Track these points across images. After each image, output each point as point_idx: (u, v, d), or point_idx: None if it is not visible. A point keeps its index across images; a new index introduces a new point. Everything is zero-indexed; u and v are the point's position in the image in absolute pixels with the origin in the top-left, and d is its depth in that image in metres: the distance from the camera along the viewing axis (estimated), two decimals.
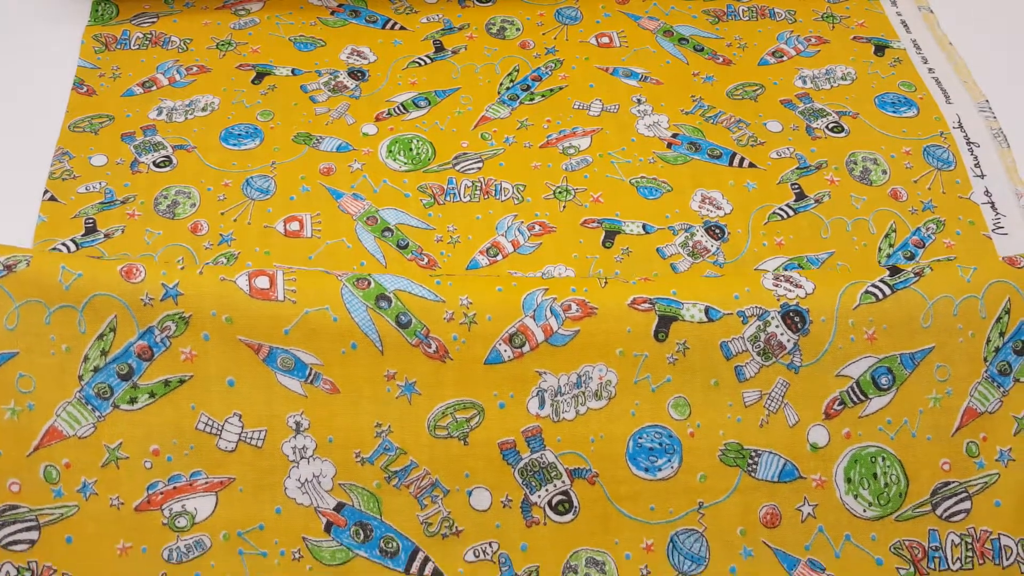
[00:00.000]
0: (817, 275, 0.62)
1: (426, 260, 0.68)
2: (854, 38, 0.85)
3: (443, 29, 0.87)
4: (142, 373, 0.58)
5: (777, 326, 0.59)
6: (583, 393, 0.60)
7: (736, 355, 0.60)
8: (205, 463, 0.58)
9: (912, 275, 0.61)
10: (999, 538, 0.59)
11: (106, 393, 0.58)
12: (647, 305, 0.60)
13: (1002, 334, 0.60)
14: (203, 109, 0.79)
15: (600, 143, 0.76)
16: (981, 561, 0.59)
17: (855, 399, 0.60)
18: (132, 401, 0.58)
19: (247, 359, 0.59)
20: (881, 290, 0.60)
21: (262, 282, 0.60)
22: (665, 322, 0.60)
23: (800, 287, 0.61)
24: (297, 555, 0.58)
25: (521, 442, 0.59)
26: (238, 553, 0.58)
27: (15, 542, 0.56)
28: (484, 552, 0.59)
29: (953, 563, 0.59)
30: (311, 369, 0.59)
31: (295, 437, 0.59)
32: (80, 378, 0.58)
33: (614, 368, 0.60)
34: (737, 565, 0.59)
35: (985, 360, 0.59)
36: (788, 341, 0.60)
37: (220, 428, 0.58)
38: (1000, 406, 0.60)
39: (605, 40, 0.85)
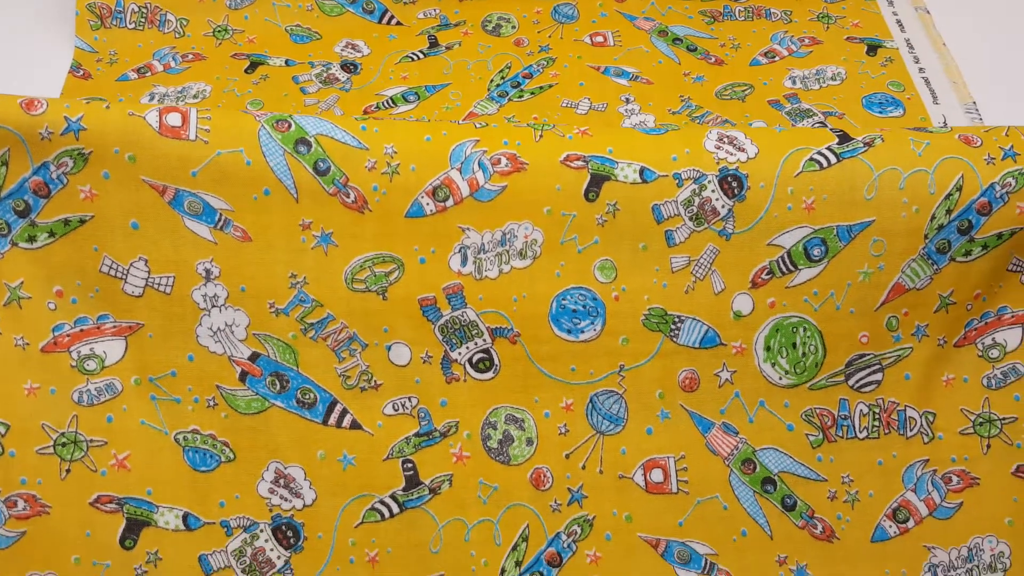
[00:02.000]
0: (762, 137, 0.58)
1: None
2: (848, 38, 0.79)
3: (439, 25, 0.81)
4: (39, 210, 0.55)
5: (713, 191, 0.56)
6: (507, 251, 0.57)
7: (667, 219, 0.57)
8: (112, 307, 0.56)
9: (862, 145, 0.57)
10: (905, 409, 0.60)
11: (3, 230, 0.55)
12: (580, 163, 0.56)
13: (949, 212, 0.57)
14: (195, 96, 0.73)
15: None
16: (887, 431, 0.60)
17: (784, 269, 0.58)
18: (31, 239, 0.55)
19: (151, 201, 0.55)
20: (827, 158, 0.57)
21: (173, 119, 0.55)
22: (597, 181, 0.56)
23: (743, 150, 0.57)
24: (212, 403, 0.57)
25: (442, 299, 0.57)
26: (150, 399, 0.57)
27: None
28: (403, 406, 0.58)
29: (860, 431, 0.60)
30: (221, 215, 0.56)
31: (205, 285, 0.56)
32: None
33: (541, 227, 0.57)
34: (654, 426, 0.59)
35: (925, 237, 0.57)
36: (723, 207, 0.57)
37: (125, 272, 0.55)
38: (929, 283, 0.58)
39: (599, 39, 0.80)
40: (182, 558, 0.57)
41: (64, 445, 0.56)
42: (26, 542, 0.55)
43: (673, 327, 0.58)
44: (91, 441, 0.56)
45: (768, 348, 0.58)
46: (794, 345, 0.58)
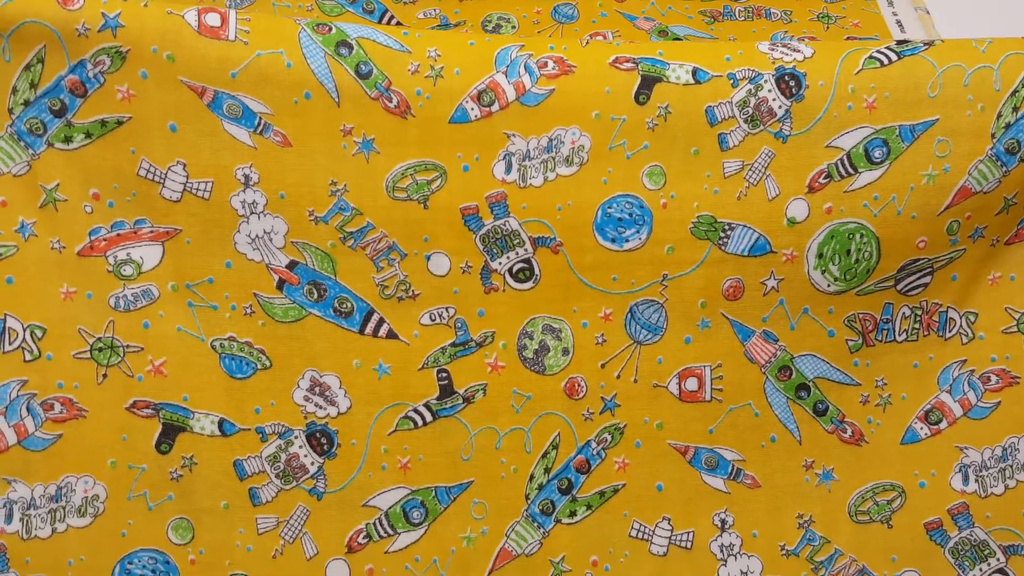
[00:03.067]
0: (817, 43, 0.56)
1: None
2: (848, 38, 0.76)
3: (439, 25, 0.79)
4: (76, 111, 0.54)
5: (770, 90, 0.54)
6: (553, 158, 0.56)
7: (721, 121, 0.55)
8: (149, 211, 0.55)
9: (921, 44, 0.55)
10: (947, 311, 0.59)
11: (39, 129, 0.54)
12: (630, 65, 0.55)
13: (1015, 109, 0.55)
14: None
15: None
16: (926, 333, 0.59)
17: (843, 173, 0.56)
18: (67, 140, 0.54)
19: (190, 103, 0.54)
20: (887, 56, 0.55)
21: (212, 19, 0.53)
22: (648, 83, 0.54)
23: (799, 51, 0.55)
24: (248, 310, 0.56)
25: (484, 208, 0.56)
26: (187, 305, 0.56)
27: None
28: (440, 316, 0.57)
29: (899, 335, 0.59)
30: (260, 118, 0.55)
31: (244, 191, 0.55)
32: (10, 111, 0.53)
33: (588, 132, 0.55)
34: (693, 335, 0.58)
35: (992, 136, 0.55)
36: (779, 108, 0.55)
37: (163, 176, 0.54)
38: (997, 186, 0.56)
39: (599, 39, 0.77)
40: (217, 463, 0.57)
41: (101, 350, 0.56)
42: (62, 445, 0.55)
43: (722, 235, 0.56)
44: (127, 347, 0.56)
45: (820, 255, 0.57)
46: (848, 252, 0.56)
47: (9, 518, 0.55)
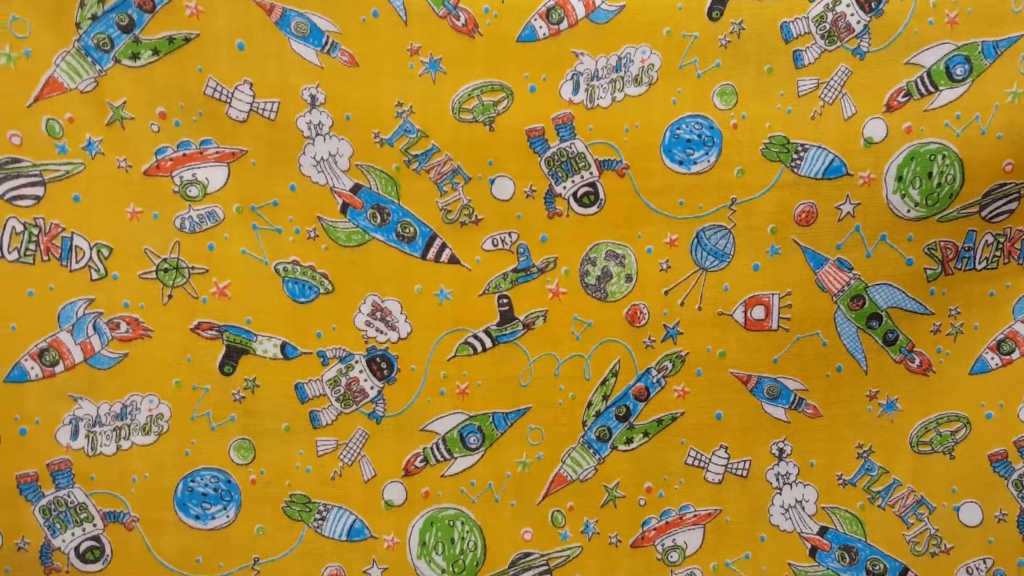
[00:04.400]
0: None
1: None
2: None
3: None
4: (144, 26, 0.54)
5: (848, 4, 0.53)
6: (622, 78, 0.55)
7: (797, 37, 0.54)
8: (215, 131, 0.55)
9: None
10: None
11: (106, 45, 0.54)
12: None
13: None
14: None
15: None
16: (1006, 260, 0.57)
17: (923, 91, 0.55)
18: (134, 57, 0.54)
19: (258, 20, 0.54)
20: None
21: None
22: None
23: None
24: (312, 234, 0.56)
25: (550, 129, 0.55)
26: (252, 227, 0.56)
27: (19, 197, 0.54)
28: (503, 241, 0.57)
29: (979, 263, 0.57)
30: (328, 37, 0.54)
31: (310, 112, 0.55)
32: (78, 25, 0.53)
33: (659, 50, 0.54)
34: (762, 262, 0.57)
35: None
36: (857, 23, 0.54)
37: (230, 95, 0.54)
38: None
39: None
40: (279, 386, 0.57)
41: (166, 271, 0.56)
42: (128, 364, 0.56)
43: (795, 156, 0.55)
44: (192, 268, 0.56)
45: (900, 178, 0.56)
46: (930, 175, 0.55)
47: (75, 434, 0.56)
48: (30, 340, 0.55)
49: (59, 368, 0.55)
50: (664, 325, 0.58)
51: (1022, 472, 0.58)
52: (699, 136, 0.55)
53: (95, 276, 0.55)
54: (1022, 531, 0.57)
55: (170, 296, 0.56)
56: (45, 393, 0.55)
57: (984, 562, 0.58)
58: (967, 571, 0.58)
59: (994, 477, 0.58)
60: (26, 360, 0.55)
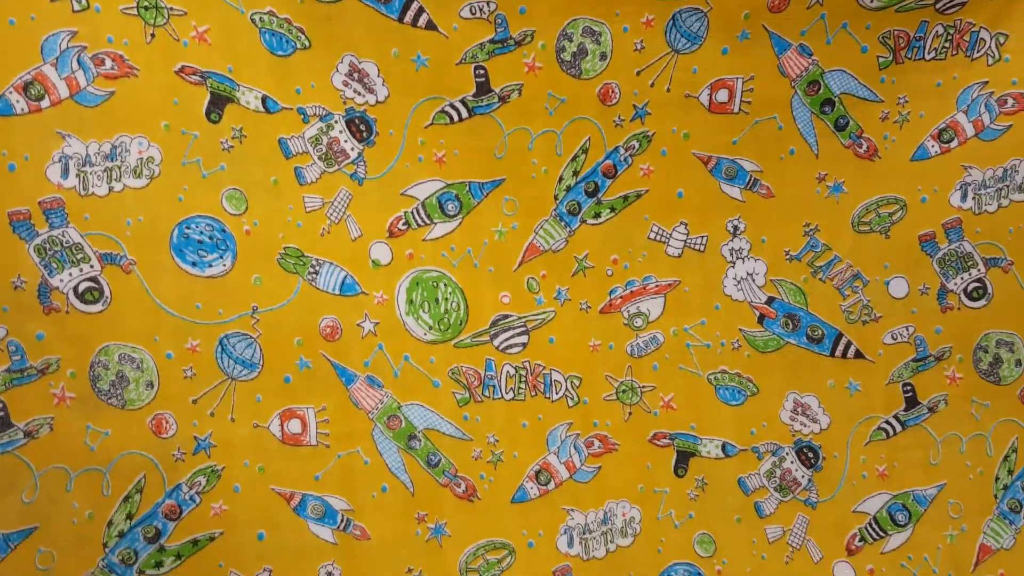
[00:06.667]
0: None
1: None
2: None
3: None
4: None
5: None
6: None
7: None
8: None
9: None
10: (979, 30, 0.61)
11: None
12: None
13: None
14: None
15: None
16: (954, 52, 0.61)
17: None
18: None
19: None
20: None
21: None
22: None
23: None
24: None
25: None
26: None
27: None
28: (480, 10, 0.58)
29: (928, 53, 0.61)
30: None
31: None
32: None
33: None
34: (731, 46, 0.60)
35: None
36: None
37: None
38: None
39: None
40: (263, 139, 0.59)
41: (147, 8, 0.57)
42: (115, 102, 0.56)
43: None
44: (171, 9, 0.57)
45: None
46: None
47: (65, 172, 0.56)
48: (13, 72, 0.54)
49: (45, 103, 0.55)
50: (634, 105, 0.61)
51: (946, 252, 0.64)
52: None
53: (77, 7, 0.55)
54: (940, 303, 0.64)
55: (152, 35, 0.56)
56: (32, 128, 0.55)
57: (907, 329, 0.63)
58: (892, 336, 0.63)
59: (921, 255, 0.64)
60: (11, 93, 0.54)
